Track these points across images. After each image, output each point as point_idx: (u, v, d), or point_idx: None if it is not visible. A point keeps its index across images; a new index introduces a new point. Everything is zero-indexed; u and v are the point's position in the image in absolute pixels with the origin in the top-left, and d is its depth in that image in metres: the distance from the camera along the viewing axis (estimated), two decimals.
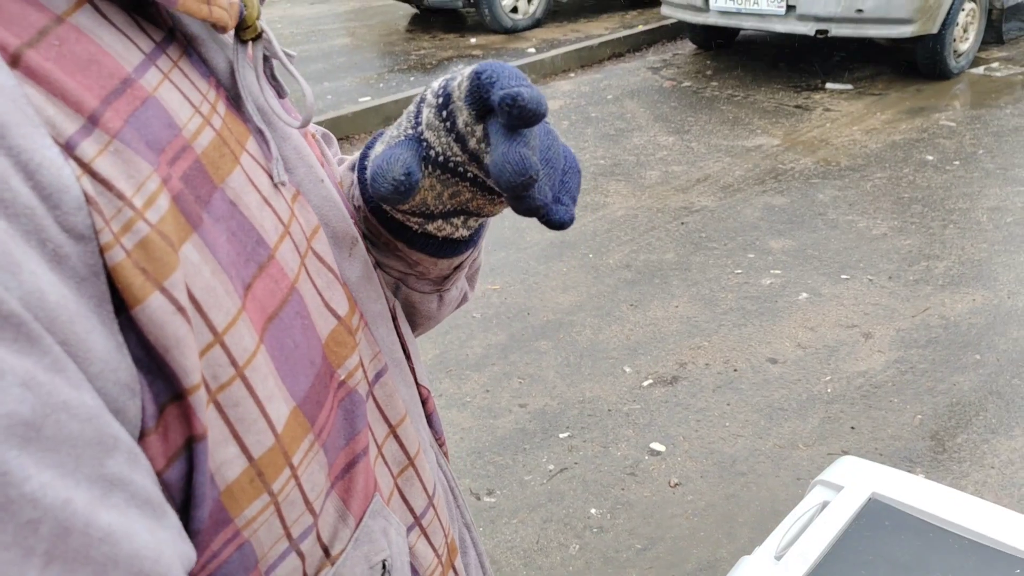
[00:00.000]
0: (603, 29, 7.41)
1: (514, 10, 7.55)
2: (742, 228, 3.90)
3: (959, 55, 5.67)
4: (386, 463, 0.54)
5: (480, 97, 0.48)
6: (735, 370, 2.94)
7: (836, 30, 5.44)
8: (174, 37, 0.43)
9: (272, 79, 0.52)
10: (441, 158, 0.51)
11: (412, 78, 6.29)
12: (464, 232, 0.58)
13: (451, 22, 8.04)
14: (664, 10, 6.41)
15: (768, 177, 4.42)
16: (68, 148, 0.33)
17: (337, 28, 8.29)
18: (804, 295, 3.35)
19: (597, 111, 5.58)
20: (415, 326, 0.70)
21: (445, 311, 0.70)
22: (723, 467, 2.52)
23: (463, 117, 0.49)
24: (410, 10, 8.52)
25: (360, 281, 0.54)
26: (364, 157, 0.60)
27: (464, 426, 2.76)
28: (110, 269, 0.33)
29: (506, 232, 4.00)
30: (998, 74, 5.75)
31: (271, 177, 0.46)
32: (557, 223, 0.50)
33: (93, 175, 0.33)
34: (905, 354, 2.96)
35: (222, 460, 0.38)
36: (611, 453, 2.61)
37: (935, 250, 3.61)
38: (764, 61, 6.42)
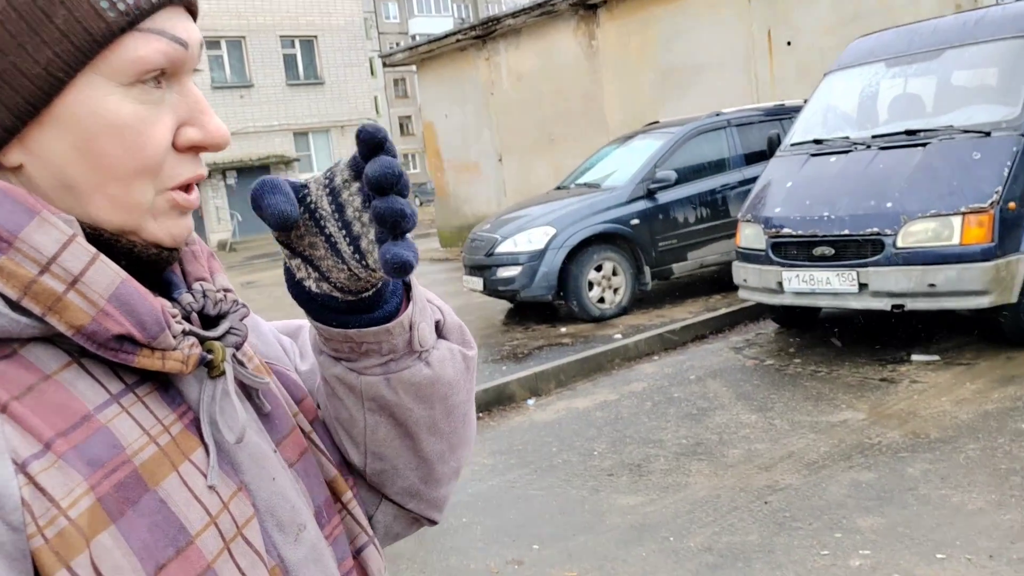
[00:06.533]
0: (687, 313, 7.73)
1: (601, 300, 8.01)
2: (828, 506, 3.79)
3: None
4: None
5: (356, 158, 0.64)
6: None
7: (912, 304, 5.54)
8: (150, 377, 0.62)
9: (257, 400, 0.71)
10: (313, 206, 0.66)
11: (504, 367, 6.63)
12: (313, 285, 0.69)
13: (544, 313, 8.55)
14: (742, 294, 6.70)
15: (854, 452, 4.34)
16: (22, 466, 0.52)
17: None
18: None
19: (680, 391, 5.70)
20: (439, 401, 0.75)
21: (444, 372, 0.75)
22: None
23: (341, 174, 0.65)
24: (506, 304, 9.15)
25: (304, 562, 0.67)
26: (296, 294, 0.72)
27: None
28: (32, 552, 0.50)
29: (585, 516, 4.00)
30: None
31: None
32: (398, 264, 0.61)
33: (35, 485, 0.52)
34: None
35: None
36: None
37: None
38: (847, 336, 6.50)
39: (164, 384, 0.63)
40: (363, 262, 0.65)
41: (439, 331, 0.77)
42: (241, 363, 0.69)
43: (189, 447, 0.62)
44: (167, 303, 0.62)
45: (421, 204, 41.57)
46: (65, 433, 0.55)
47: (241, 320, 0.69)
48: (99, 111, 0.58)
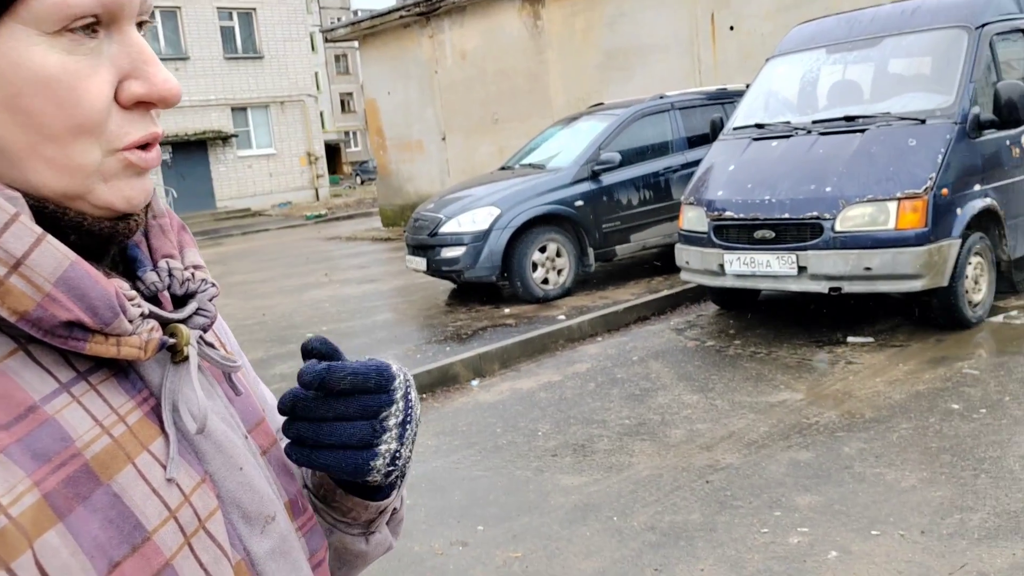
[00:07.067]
0: (629, 295, 7.79)
1: (545, 281, 8.02)
2: (768, 485, 3.86)
3: (975, 305, 5.81)
4: None
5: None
6: None
7: (849, 287, 5.67)
8: (107, 362, 0.58)
9: (230, 383, 0.68)
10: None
11: (448, 348, 6.60)
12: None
13: (487, 294, 8.53)
14: (684, 276, 6.77)
15: (792, 432, 4.43)
16: None
17: (381, 305, 8.85)
18: (833, 553, 3.24)
19: (623, 372, 5.75)
20: (346, 565, 0.81)
21: (373, 553, 0.82)
22: None
23: None
24: (450, 285, 9.10)
25: (271, 555, 0.65)
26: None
27: None
28: None
29: (530, 496, 4.01)
30: (1018, 321, 5.84)
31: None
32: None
33: None
34: None
35: None
36: None
37: (968, 501, 3.51)
38: (786, 318, 6.63)
39: (123, 369, 0.59)
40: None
41: (389, 519, 0.83)
42: (211, 345, 0.65)
43: (148, 436, 0.58)
44: (124, 285, 0.58)
45: (363, 183, 41.09)
46: (7, 426, 0.51)
47: (211, 300, 0.66)
48: (22, 63, 0.52)
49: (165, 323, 0.61)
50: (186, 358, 0.61)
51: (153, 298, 0.63)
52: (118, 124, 0.57)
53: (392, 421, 0.67)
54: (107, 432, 0.56)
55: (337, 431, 0.66)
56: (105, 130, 0.56)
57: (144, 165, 0.59)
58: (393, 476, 0.69)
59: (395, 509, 0.82)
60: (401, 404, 0.68)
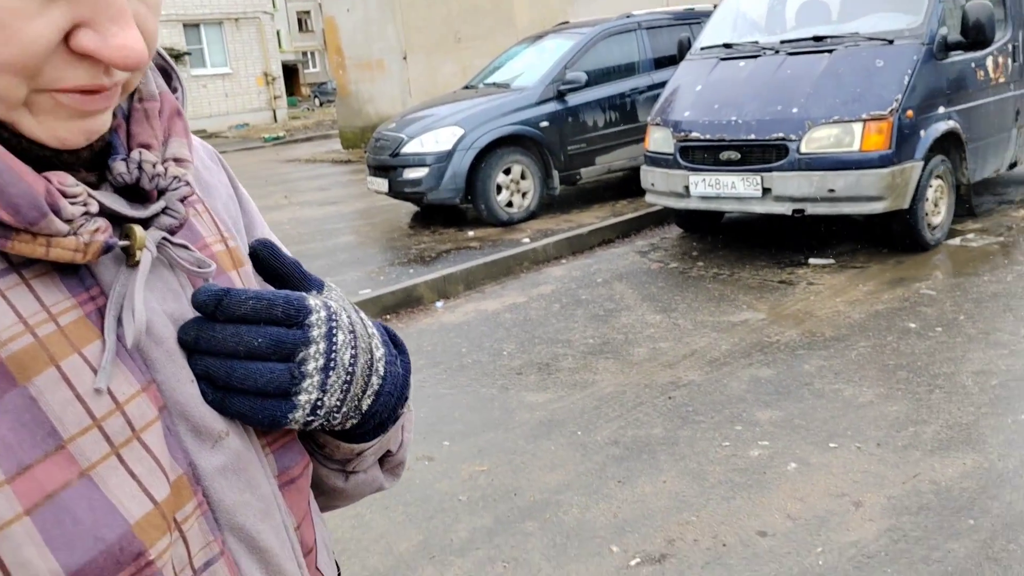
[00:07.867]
0: (594, 218, 7.77)
1: (509, 204, 7.95)
2: (729, 401, 3.92)
3: (933, 228, 5.89)
4: None
5: None
6: (724, 545, 2.88)
7: (812, 209, 5.70)
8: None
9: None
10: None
11: (411, 270, 6.54)
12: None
13: (451, 217, 8.44)
14: (649, 198, 6.75)
15: (754, 350, 4.49)
16: None
17: (343, 227, 8.72)
18: (793, 465, 3.32)
19: (587, 294, 5.76)
20: (320, 496, 0.76)
21: (354, 492, 0.77)
22: None
23: None
24: (413, 207, 8.99)
25: (219, 472, 0.59)
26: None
27: None
28: None
29: (495, 413, 4.04)
30: (974, 244, 5.95)
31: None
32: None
33: None
34: (897, 522, 2.90)
35: None
36: None
37: (922, 415, 3.61)
38: (748, 240, 6.67)
39: (72, 264, 0.54)
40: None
41: (382, 460, 0.77)
42: (184, 246, 0.59)
43: (83, 339, 0.53)
44: (67, 179, 0.52)
45: (322, 104, 40.13)
46: None
47: (183, 200, 0.59)
48: None
49: (128, 221, 0.56)
50: (137, 263, 0.56)
51: (133, 189, 0.57)
52: (57, 67, 0.49)
53: (311, 365, 0.60)
54: (31, 331, 0.51)
55: (252, 374, 0.58)
56: (41, 72, 0.49)
57: (81, 107, 0.51)
58: (316, 426, 0.62)
59: (390, 452, 0.76)
60: (322, 345, 0.60)
